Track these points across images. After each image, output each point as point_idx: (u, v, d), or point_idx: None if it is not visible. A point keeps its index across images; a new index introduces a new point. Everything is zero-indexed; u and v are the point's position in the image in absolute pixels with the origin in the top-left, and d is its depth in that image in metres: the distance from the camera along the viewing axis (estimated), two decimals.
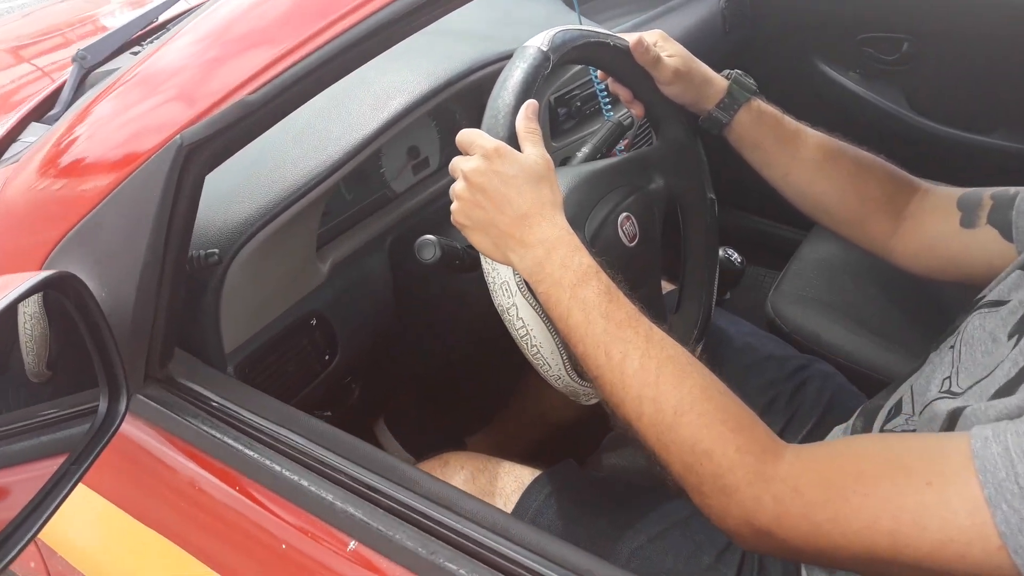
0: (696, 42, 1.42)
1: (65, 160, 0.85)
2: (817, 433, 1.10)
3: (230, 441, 0.79)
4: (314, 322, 1.12)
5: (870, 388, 1.14)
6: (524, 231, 0.80)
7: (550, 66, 0.91)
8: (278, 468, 0.76)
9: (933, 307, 1.39)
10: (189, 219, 0.79)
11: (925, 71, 1.82)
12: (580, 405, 0.91)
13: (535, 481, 1.04)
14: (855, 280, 1.48)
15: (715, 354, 1.20)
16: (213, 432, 0.80)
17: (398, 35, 0.73)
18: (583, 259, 0.80)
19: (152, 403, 0.84)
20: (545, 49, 0.91)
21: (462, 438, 1.63)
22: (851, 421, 0.98)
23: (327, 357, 1.15)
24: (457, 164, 0.84)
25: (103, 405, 0.74)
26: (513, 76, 0.88)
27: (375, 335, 1.24)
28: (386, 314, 1.25)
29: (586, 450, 1.27)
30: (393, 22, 0.71)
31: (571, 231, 0.82)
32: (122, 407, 0.73)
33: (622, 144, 1.27)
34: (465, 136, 0.85)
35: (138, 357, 0.84)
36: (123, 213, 0.78)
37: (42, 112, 1.20)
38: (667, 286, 1.32)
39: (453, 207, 0.84)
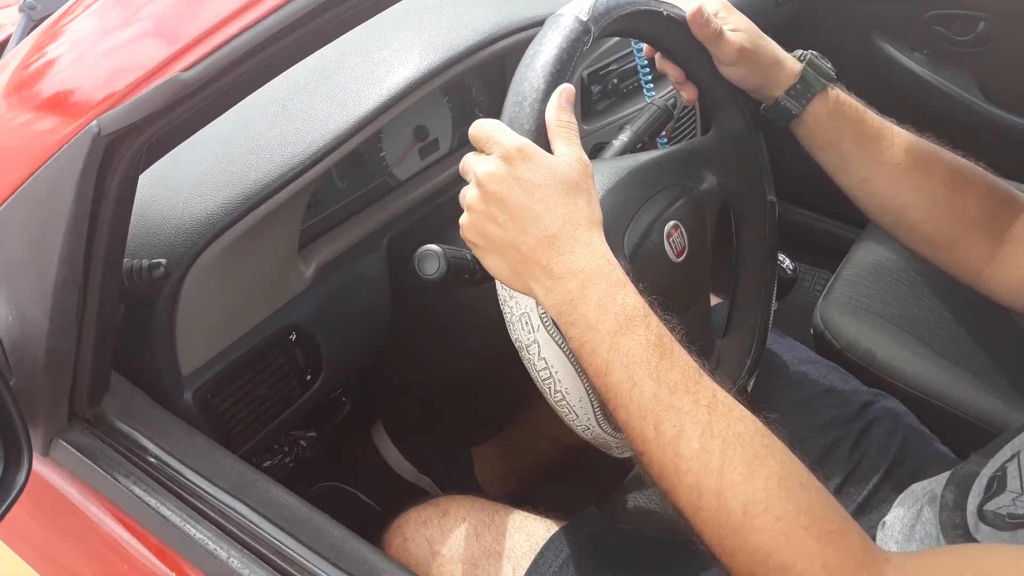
0: (745, 13, 1.31)
1: None
2: (885, 489, 0.96)
3: (167, 512, 0.64)
4: (293, 336, 0.97)
5: (938, 422, 1.08)
6: (552, 257, 0.65)
7: (590, 40, 0.76)
8: (224, 556, 0.59)
9: (1007, 326, 1.28)
10: (120, 224, 0.63)
11: (1003, 55, 1.67)
12: None
13: (551, 540, 0.91)
14: (914, 290, 1.35)
15: (764, 385, 1.07)
16: (146, 497, 0.65)
17: None
18: (627, 298, 0.64)
19: (75, 451, 0.68)
20: (584, 19, 0.76)
21: (467, 448, 1.50)
22: (935, 488, 0.85)
23: (308, 377, 0.99)
24: (470, 164, 0.68)
25: None
26: (544, 53, 0.73)
27: (368, 350, 1.08)
28: (381, 325, 1.10)
29: (602, 474, 1.16)
30: None
31: (612, 259, 0.66)
32: (21, 477, 0.56)
33: (663, 135, 1.11)
34: (481, 130, 0.68)
35: (58, 394, 0.68)
36: (30, 217, 0.61)
37: None
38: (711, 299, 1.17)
39: (463, 220, 0.69)
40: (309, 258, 0.99)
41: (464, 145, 1.19)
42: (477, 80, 1.18)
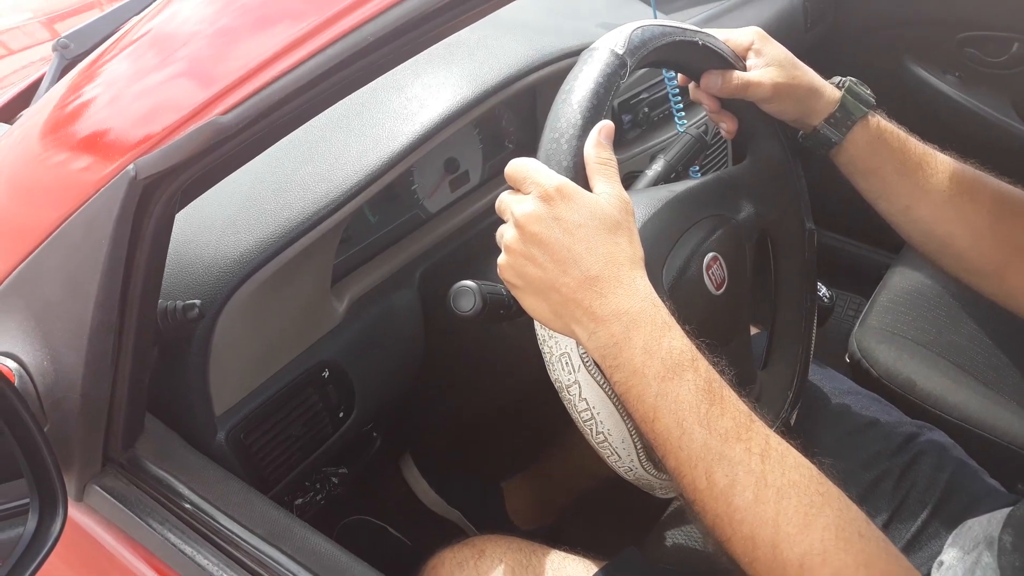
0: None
1: (4, 184, 0.66)
2: (935, 525, 0.93)
3: (203, 561, 0.62)
4: (326, 374, 0.95)
5: (984, 453, 1.05)
6: (594, 299, 0.63)
7: (627, 74, 0.75)
8: None
9: None
10: (155, 267, 0.62)
11: None
12: None
13: None
14: (952, 316, 1.32)
15: (805, 418, 1.04)
16: (182, 545, 0.63)
17: (434, 33, 0.54)
18: (674, 341, 0.62)
19: (109, 497, 0.67)
20: (620, 52, 0.75)
21: (497, 482, 1.48)
22: (993, 532, 0.82)
23: (341, 415, 0.98)
24: (507, 204, 0.67)
25: (31, 523, 0.56)
26: (580, 88, 0.72)
27: (400, 385, 1.06)
28: (414, 359, 1.08)
29: (638, 509, 1.13)
30: (433, 14, 0.51)
31: (657, 300, 0.64)
32: (56, 527, 0.55)
33: (695, 164, 1.09)
34: (518, 169, 0.67)
35: (93, 438, 0.67)
36: (67, 260, 0.60)
37: (15, 111, 1.04)
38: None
39: (501, 260, 0.67)
40: (341, 294, 0.98)
41: (495, 176, 1.18)
42: (507, 112, 1.18)
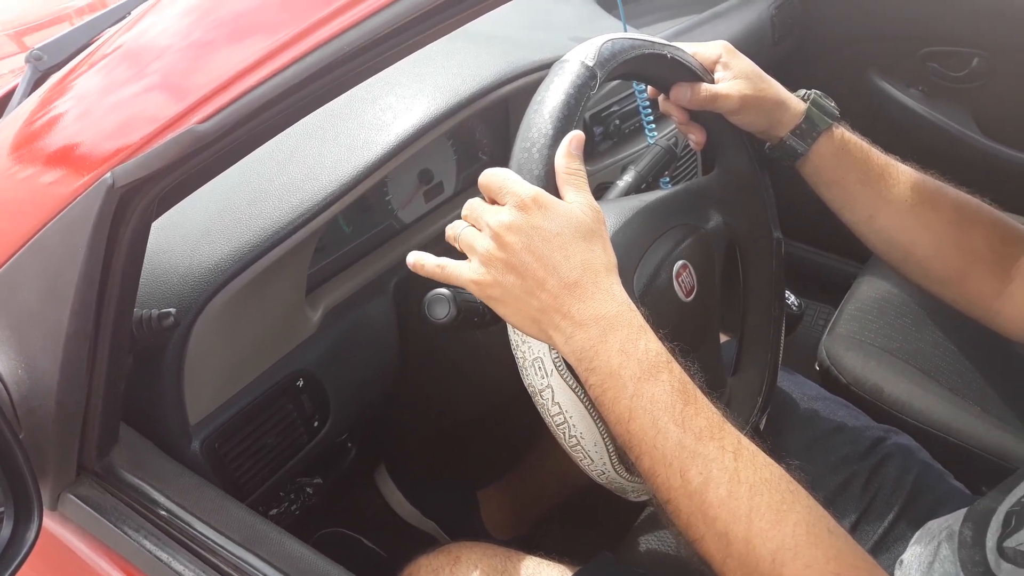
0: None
1: None
2: (901, 526, 0.95)
3: (179, 567, 0.62)
4: (301, 383, 0.95)
5: (949, 456, 1.07)
6: (573, 304, 0.64)
7: (597, 85, 0.76)
8: None
9: (1012, 359, 1.26)
10: (131, 276, 0.62)
11: (998, 90, 1.68)
12: None
13: None
14: (918, 324, 1.34)
15: (774, 423, 1.06)
16: (158, 552, 0.63)
17: (410, 44, 0.55)
18: (650, 344, 0.63)
19: (84, 505, 0.67)
20: (591, 64, 0.76)
21: (473, 492, 1.48)
22: (953, 525, 0.84)
23: (316, 424, 0.98)
24: (480, 213, 0.67)
25: (6, 530, 0.56)
26: (551, 99, 0.73)
27: (375, 394, 1.06)
28: (389, 368, 1.08)
29: (612, 516, 1.14)
30: (408, 25, 0.52)
31: (632, 305, 0.65)
32: (31, 534, 0.55)
33: (665, 175, 1.11)
34: (492, 179, 0.67)
35: (67, 447, 0.67)
36: (42, 269, 0.60)
37: None
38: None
39: (474, 273, 0.66)
40: (316, 303, 0.98)
41: (469, 187, 1.19)
42: (480, 124, 1.18)
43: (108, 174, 0.54)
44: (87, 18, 1.13)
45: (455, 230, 0.69)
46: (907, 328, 1.32)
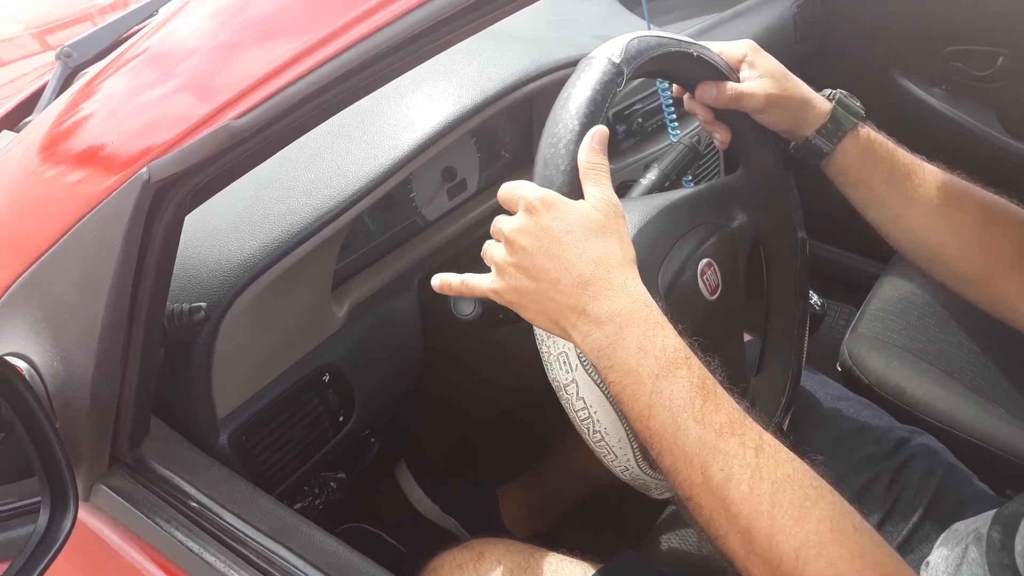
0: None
1: (15, 188, 0.67)
2: (926, 528, 0.94)
3: (211, 558, 0.62)
4: (327, 378, 0.96)
5: (973, 458, 1.06)
6: (588, 302, 0.64)
7: (623, 82, 0.76)
8: None
9: None
10: (164, 270, 0.62)
11: (1022, 89, 1.66)
12: None
13: None
14: (941, 324, 1.34)
15: (798, 423, 1.05)
16: (189, 543, 0.63)
17: (444, 40, 0.55)
18: (667, 340, 0.63)
19: (116, 496, 0.68)
20: (617, 61, 0.76)
21: (492, 489, 1.48)
22: (980, 527, 0.83)
23: (341, 419, 0.99)
24: (498, 225, 0.68)
25: (43, 519, 0.57)
26: (577, 95, 0.73)
27: (399, 389, 1.07)
28: (412, 364, 1.09)
29: (633, 514, 1.13)
30: (441, 24, 0.52)
31: (649, 300, 0.65)
32: (67, 523, 0.55)
33: (688, 174, 1.11)
34: (506, 191, 0.69)
35: (100, 438, 0.68)
36: (78, 262, 0.61)
37: (18, 118, 1.04)
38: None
39: (493, 283, 0.68)
40: (342, 299, 0.99)
41: (491, 185, 1.19)
42: (504, 122, 1.19)
43: (144, 169, 0.55)
44: (114, 16, 1.14)
45: (485, 247, 0.70)
46: (930, 329, 1.31)
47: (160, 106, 0.60)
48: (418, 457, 1.47)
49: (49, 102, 1.03)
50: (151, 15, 1.15)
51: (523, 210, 0.66)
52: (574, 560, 0.92)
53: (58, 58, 1.06)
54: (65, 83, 1.05)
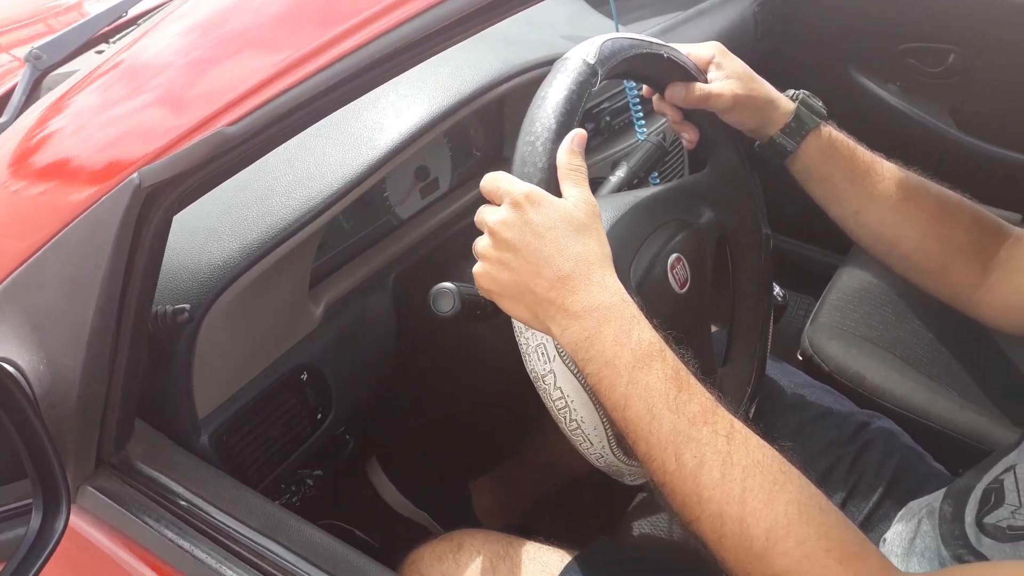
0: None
1: None
2: (885, 507, 0.98)
3: (202, 555, 0.63)
4: (304, 376, 0.97)
5: (929, 440, 1.09)
6: (567, 296, 0.66)
7: (598, 82, 0.78)
8: None
9: (987, 345, 1.29)
10: (151, 273, 0.63)
11: (973, 85, 1.71)
12: None
13: (566, 570, 0.91)
14: (897, 313, 1.37)
15: (763, 411, 1.07)
16: (179, 541, 0.64)
17: (428, 51, 0.57)
18: (643, 333, 0.65)
19: (104, 497, 0.68)
20: (592, 62, 0.78)
21: (466, 483, 1.49)
22: (932, 502, 0.87)
23: (319, 416, 0.99)
24: (482, 216, 0.70)
25: (35, 521, 0.57)
26: (553, 95, 0.75)
27: (375, 386, 1.08)
28: (388, 360, 1.09)
29: (605, 504, 1.16)
30: (432, 35, 0.54)
31: (626, 295, 0.67)
32: (60, 524, 0.56)
33: (655, 172, 1.13)
34: (490, 182, 0.70)
35: (87, 440, 0.68)
36: (66, 266, 0.61)
37: None
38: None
39: (477, 269, 0.70)
40: (318, 297, 1.00)
41: (463, 183, 1.21)
42: (476, 121, 1.20)
43: (135, 174, 0.56)
44: (82, 19, 1.12)
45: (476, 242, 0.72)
46: (887, 317, 1.34)
47: (147, 114, 0.61)
48: (391, 453, 1.47)
49: (18, 104, 1.02)
50: (120, 16, 1.14)
51: (508, 204, 0.68)
52: (551, 548, 0.93)
53: (27, 60, 1.05)
54: (35, 85, 1.04)
